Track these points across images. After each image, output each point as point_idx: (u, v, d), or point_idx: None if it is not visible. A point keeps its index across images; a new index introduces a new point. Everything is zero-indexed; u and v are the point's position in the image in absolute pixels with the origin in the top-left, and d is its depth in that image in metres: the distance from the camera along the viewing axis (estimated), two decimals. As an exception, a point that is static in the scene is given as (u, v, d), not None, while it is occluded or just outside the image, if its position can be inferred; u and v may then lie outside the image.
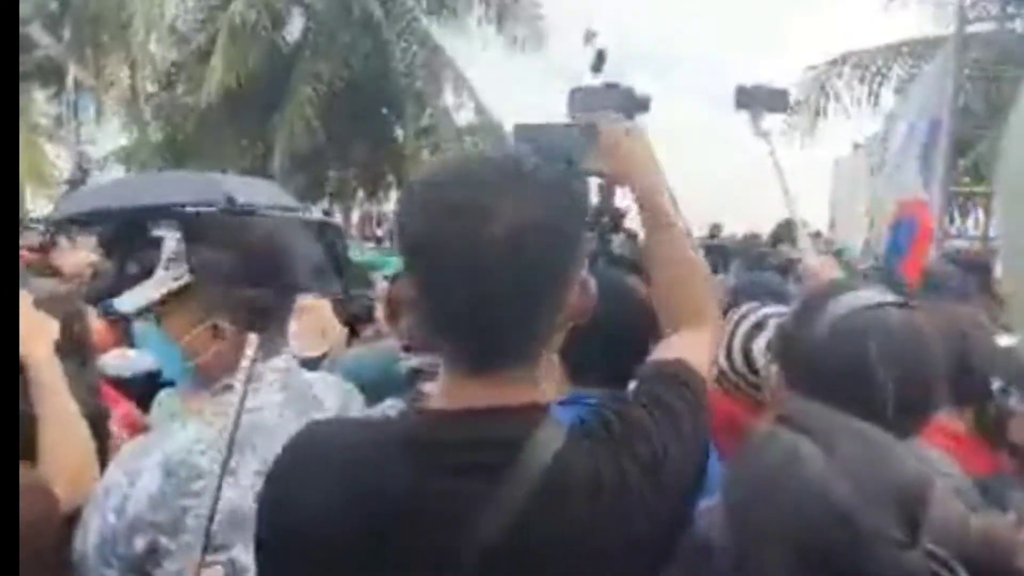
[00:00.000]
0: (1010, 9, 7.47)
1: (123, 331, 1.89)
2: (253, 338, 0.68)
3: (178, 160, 10.72)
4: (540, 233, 0.50)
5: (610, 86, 1.66)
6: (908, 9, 8.19)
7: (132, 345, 1.88)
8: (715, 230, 6.44)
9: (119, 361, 1.68)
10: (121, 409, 1.31)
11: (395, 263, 4.34)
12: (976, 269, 2.35)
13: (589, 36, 1.71)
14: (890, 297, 0.73)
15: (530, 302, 0.51)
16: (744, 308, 1.30)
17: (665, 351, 0.64)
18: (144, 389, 1.55)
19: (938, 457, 0.81)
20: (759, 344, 1.24)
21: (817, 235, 5.96)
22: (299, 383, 0.83)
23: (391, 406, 1.02)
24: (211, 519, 0.59)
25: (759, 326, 1.24)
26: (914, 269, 2.63)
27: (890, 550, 0.47)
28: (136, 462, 0.69)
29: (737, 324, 1.27)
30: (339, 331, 1.74)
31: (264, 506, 0.55)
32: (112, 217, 0.82)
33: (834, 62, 8.58)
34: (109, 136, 12.12)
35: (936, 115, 4.76)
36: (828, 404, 0.61)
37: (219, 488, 0.60)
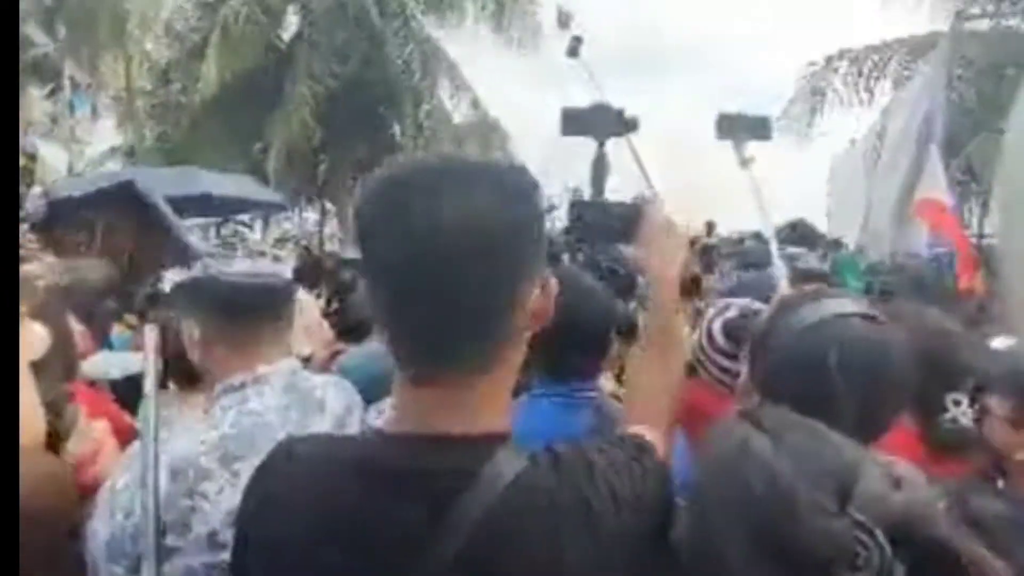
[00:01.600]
0: (1004, 6, 7.48)
1: (101, 334, 1.89)
2: (150, 329, 0.70)
3: (173, 158, 10.69)
4: (487, 225, 0.49)
5: (600, 107, 1.69)
6: (904, 6, 8.21)
7: (111, 348, 1.88)
8: (709, 228, 6.46)
9: (102, 365, 1.67)
10: (108, 418, 1.31)
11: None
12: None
13: (563, 19, 1.72)
14: (858, 307, 0.75)
15: (479, 297, 0.50)
16: (725, 301, 1.40)
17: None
18: (128, 392, 1.55)
19: (898, 463, 0.84)
20: (716, 326, 1.33)
21: (836, 243, 5.94)
22: (304, 386, 0.85)
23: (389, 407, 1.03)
24: (158, 524, 0.61)
25: (724, 311, 1.34)
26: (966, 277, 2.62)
27: (821, 519, 0.53)
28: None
29: (716, 313, 1.37)
30: (325, 331, 1.72)
31: (237, 519, 0.58)
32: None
33: (831, 59, 8.59)
34: (105, 134, 12.09)
35: (931, 112, 4.78)
36: (790, 408, 0.65)
37: (156, 506, 0.62)
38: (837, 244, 6.01)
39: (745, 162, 1.87)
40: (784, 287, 1.78)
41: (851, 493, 0.53)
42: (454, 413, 0.52)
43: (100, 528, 0.68)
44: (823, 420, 0.63)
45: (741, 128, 1.91)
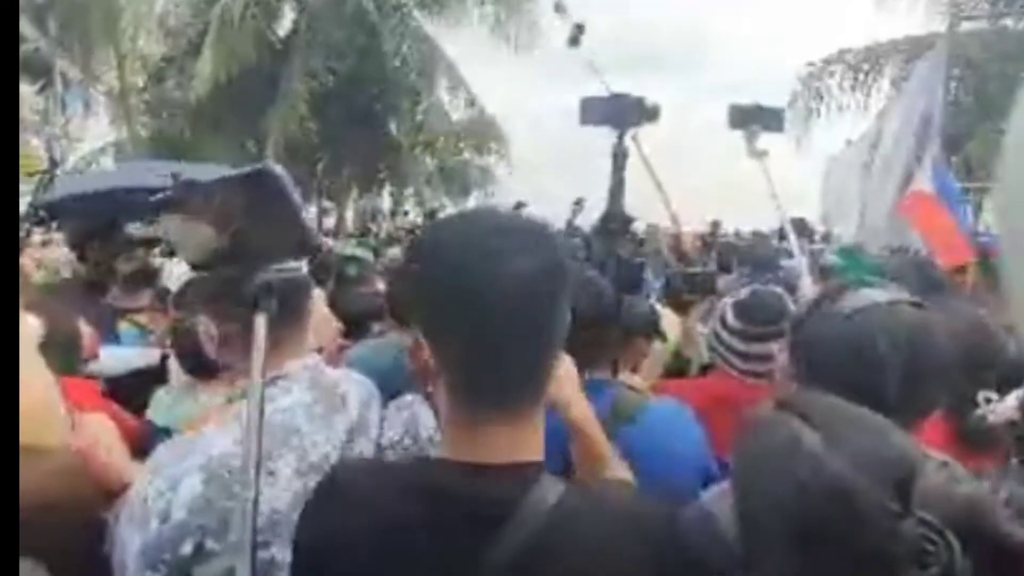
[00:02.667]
0: (1000, 6, 7.55)
1: (109, 330, 1.85)
2: (260, 320, 0.65)
3: (168, 156, 10.56)
4: (554, 274, 0.56)
5: (619, 96, 1.66)
6: (900, 8, 8.26)
7: (119, 343, 1.84)
8: (714, 227, 6.48)
9: (109, 361, 1.63)
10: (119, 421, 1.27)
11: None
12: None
13: (559, 6, 1.70)
14: (903, 296, 0.75)
15: (545, 341, 0.57)
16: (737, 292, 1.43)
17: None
18: (129, 388, 1.52)
19: (938, 454, 0.82)
20: (728, 309, 1.34)
21: (825, 238, 5.95)
22: (326, 381, 0.83)
23: (408, 402, 1.01)
24: (254, 520, 0.59)
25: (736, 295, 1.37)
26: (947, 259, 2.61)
27: (886, 520, 0.51)
28: (175, 467, 0.68)
29: (728, 300, 1.39)
30: (333, 327, 1.68)
31: (297, 545, 0.61)
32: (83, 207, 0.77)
33: (828, 60, 8.64)
34: (98, 131, 11.96)
35: (928, 112, 4.81)
36: (833, 393, 0.63)
37: (256, 492, 0.60)
38: (826, 239, 6.02)
39: (758, 154, 1.85)
40: (808, 284, 1.77)
41: (912, 489, 0.51)
42: (508, 444, 0.57)
43: (132, 536, 0.65)
44: (868, 406, 0.61)
45: (754, 119, 1.89)
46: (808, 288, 1.80)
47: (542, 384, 0.58)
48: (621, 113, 1.51)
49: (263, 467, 0.63)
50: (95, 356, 1.50)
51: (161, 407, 1.38)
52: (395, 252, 4.25)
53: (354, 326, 1.90)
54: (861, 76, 8.36)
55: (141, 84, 11.19)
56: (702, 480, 0.96)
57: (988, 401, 1.01)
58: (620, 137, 1.52)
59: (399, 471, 0.64)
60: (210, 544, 0.65)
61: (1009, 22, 7.58)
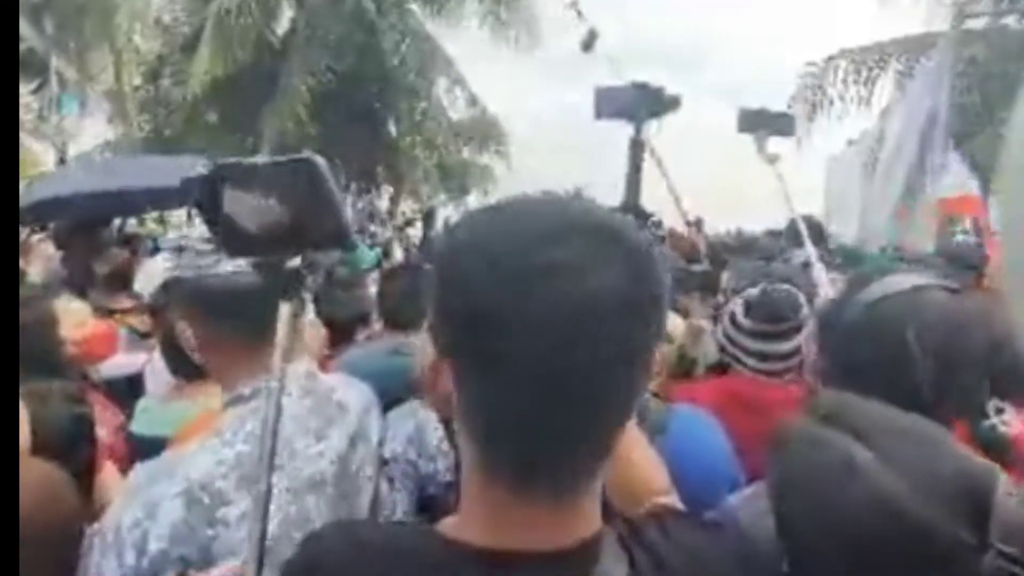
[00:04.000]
0: (1004, 5, 7.52)
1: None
2: (286, 309, 0.60)
3: (164, 155, 10.50)
4: (641, 298, 0.40)
5: (638, 86, 1.61)
6: (902, 6, 8.23)
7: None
8: (697, 225, 6.45)
9: (109, 366, 1.60)
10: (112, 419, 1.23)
11: (371, 258, 4.20)
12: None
13: (576, 10, 1.66)
14: (932, 279, 0.70)
15: (622, 397, 0.41)
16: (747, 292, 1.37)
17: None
18: (121, 391, 1.49)
19: None
20: (739, 308, 1.30)
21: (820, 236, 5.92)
22: (322, 389, 0.78)
23: (412, 410, 0.96)
24: (262, 538, 0.53)
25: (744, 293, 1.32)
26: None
27: (964, 555, 0.44)
28: (151, 492, 0.62)
29: (737, 298, 1.34)
30: (320, 333, 1.62)
31: None
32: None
33: (831, 59, 8.61)
34: (94, 130, 11.90)
35: (933, 111, 4.77)
36: (864, 390, 0.59)
37: (265, 512, 0.54)
38: (821, 237, 5.93)
39: (770, 158, 1.82)
40: (824, 278, 1.72)
41: (988, 517, 0.44)
42: (558, 527, 0.43)
43: (109, 568, 0.60)
44: (900, 401, 0.56)
45: (763, 123, 1.86)
46: (824, 281, 1.75)
47: (612, 450, 0.42)
48: (639, 104, 1.46)
49: (248, 490, 0.57)
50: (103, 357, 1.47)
51: (144, 418, 1.33)
52: (399, 252, 4.20)
53: (339, 333, 1.80)
54: (864, 74, 8.34)
55: (138, 82, 11.13)
56: (728, 488, 0.92)
57: (999, 411, 0.98)
58: (638, 128, 1.47)
59: (396, 558, 0.45)
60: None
61: (1011, 21, 7.56)
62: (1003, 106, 6.90)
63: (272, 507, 0.64)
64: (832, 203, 7.49)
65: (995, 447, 0.95)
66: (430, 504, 1.06)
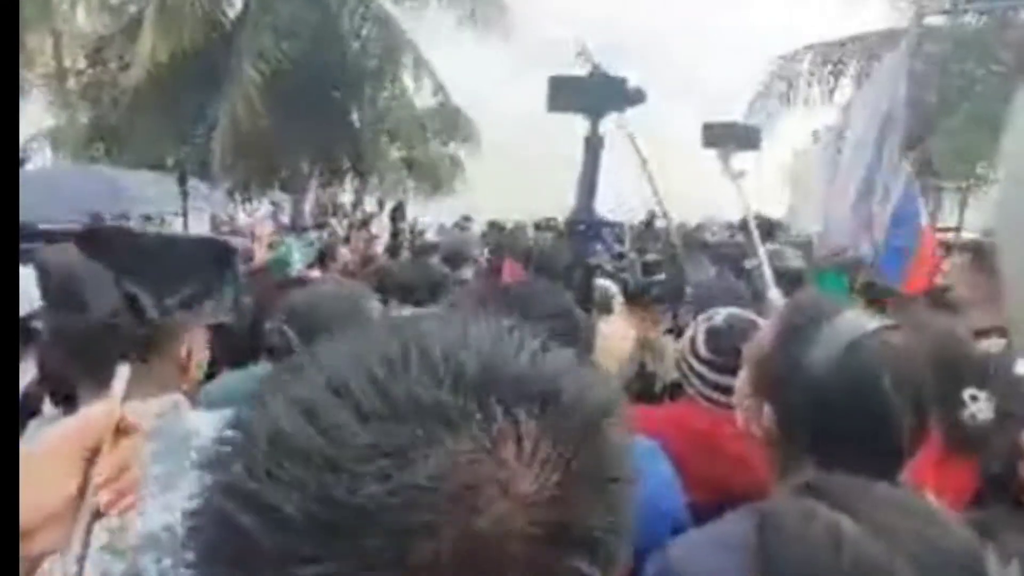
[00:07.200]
0: (960, 4, 7.70)
1: None
2: (123, 370, 0.51)
3: (110, 143, 9.88)
4: None
5: (597, 76, 1.45)
6: (864, 4, 8.35)
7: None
8: (650, 217, 6.45)
9: None
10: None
11: (299, 255, 3.98)
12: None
13: (585, 55, 1.55)
14: (879, 321, 0.72)
15: None
16: (710, 312, 1.36)
17: None
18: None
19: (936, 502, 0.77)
20: (700, 337, 1.29)
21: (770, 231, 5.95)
22: (180, 431, 0.69)
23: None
24: None
25: (708, 320, 1.30)
26: (919, 280, 2.49)
27: None
28: None
29: (700, 323, 1.33)
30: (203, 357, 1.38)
31: None
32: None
33: (796, 55, 8.70)
34: (32, 117, 11.11)
35: (892, 108, 4.81)
36: (840, 442, 0.65)
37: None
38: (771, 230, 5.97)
39: (734, 175, 1.74)
40: (776, 295, 1.68)
41: None
42: None
43: None
44: (876, 446, 0.64)
45: (729, 138, 1.78)
46: (776, 298, 1.69)
47: None
48: (597, 96, 1.31)
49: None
50: None
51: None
52: (345, 252, 3.98)
53: (228, 354, 1.55)
54: (829, 69, 8.45)
55: (80, 66, 10.42)
56: (670, 526, 0.90)
57: (975, 399, 1.00)
58: (595, 123, 1.32)
59: None
60: None
61: (969, 19, 7.75)
62: (959, 104, 7.10)
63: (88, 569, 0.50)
64: (799, 198, 7.61)
65: (975, 435, 0.99)
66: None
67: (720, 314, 1.32)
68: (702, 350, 1.28)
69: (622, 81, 1.45)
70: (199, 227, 6.21)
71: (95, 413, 0.47)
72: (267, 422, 0.29)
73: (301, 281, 2.41)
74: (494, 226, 7.55)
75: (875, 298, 2.15)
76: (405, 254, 4.93)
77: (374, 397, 0.28)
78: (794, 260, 3.15)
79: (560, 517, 0.28)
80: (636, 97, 1.47)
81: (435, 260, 3.22)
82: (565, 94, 1.46)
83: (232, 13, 9.30)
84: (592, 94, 1.41)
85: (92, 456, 0.45)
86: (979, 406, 1.00)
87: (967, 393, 1.01)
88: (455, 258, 3.27)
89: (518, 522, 0.27)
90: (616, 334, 1.96)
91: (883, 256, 2.68)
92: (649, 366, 1.95)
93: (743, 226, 5.11)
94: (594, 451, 0.30)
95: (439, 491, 0.26)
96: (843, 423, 0.66)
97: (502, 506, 0.27)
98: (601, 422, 0.31)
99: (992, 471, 0.95)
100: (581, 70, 1.53)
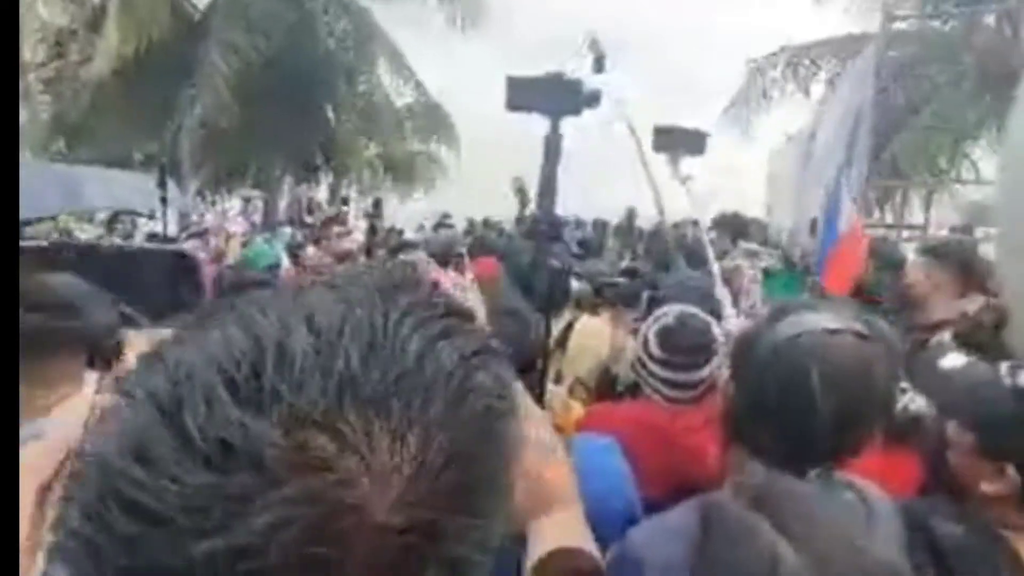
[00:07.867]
0: (928, 8, 7.89)
1: None
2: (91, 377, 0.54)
3: (72, 140, 9.53)
4: None
5: (554, 77, 1.45)
6: (837, 7, 8.50)
7: None
8: (631, 214, 6.48)
9: None
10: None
11: (272, 254, 3.92)
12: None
13: (597, 58, 1.55)
14: (844, 322, 0.72)
15: None
16: (662, 309, 1.38)
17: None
18: None
19: (866, 486, 0.79)
20: (651, 333, 1.30)
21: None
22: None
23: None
24: None
25: (661, 318, 1.32)
26: (837, 277, 2.51)
27: None
28: None
29: (652, 320, 1.34)
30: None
31: None
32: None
33: (770, 56, 8.83)
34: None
35: (860, 111, 4.90)
36: (767, 427, 0.69)
37: None
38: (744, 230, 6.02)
39: (683, 179, 1.77)
40: (728, 304, 1.71)
41: None
42: None
43: None
44: (801, 436, 0.67)
45: (677, 142, 1.81)
46: (728, 308, 1.73)
47: None
48: (552, 98, 1.31)
49: None
50: None
51: None
52: (312, 250, 3.89)
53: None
54: (802, 71, 8.60)
55: (41, 58, 10.02)
56: (623, 519, 0.90)
57: (903, 391, 1.02)
58: (555, 124, 1.32)
59: None
60: None
61: (937, 23, 7.94)
62: (926, 106, 7.28)
63: None
64: (774, 195, 7.73)
65: (908, 427, 0.99)
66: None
67: (671, 313, 1.32)
68: (655, 349, 1.29)
69: (578, 83, 1.46)
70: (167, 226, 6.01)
71: (36, 454, 0.45)
72: (97, 457, 0.25)
73: (263, 283, 2.33)
74: (474, 224, 7.53)
75: (873, 298, 2.18)
76: (381, 253, 4.85)
77: (212, 425, 0.24)
78: (768, 260, 3.19)
79: (423, 528, 0.26)
80: (592, 100, 1.47)
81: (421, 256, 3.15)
82: (520, 94, 1.46)
83: (201, 4, 9.03)
84: (548, 95, 1.41)
85: (43, 493, 0.45)
86: (910, 397, 1.02)
87: (899, 386, 1.01)
88: (442, 256, 3.21)
89: (376, 540, 0.25)
90: (602, 332, 1.97)
91: (818, 256, 2.75)
92: (613, 367, 1.94)
93: (717, 224, 5.16)
94: (465, 458, 0.27)
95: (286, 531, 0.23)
96: (771, 407, 0.69)
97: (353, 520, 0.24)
98: (479, 425, 0.28)
99: (929, 461, 0.95)
100: (578, 69, 1.53)
